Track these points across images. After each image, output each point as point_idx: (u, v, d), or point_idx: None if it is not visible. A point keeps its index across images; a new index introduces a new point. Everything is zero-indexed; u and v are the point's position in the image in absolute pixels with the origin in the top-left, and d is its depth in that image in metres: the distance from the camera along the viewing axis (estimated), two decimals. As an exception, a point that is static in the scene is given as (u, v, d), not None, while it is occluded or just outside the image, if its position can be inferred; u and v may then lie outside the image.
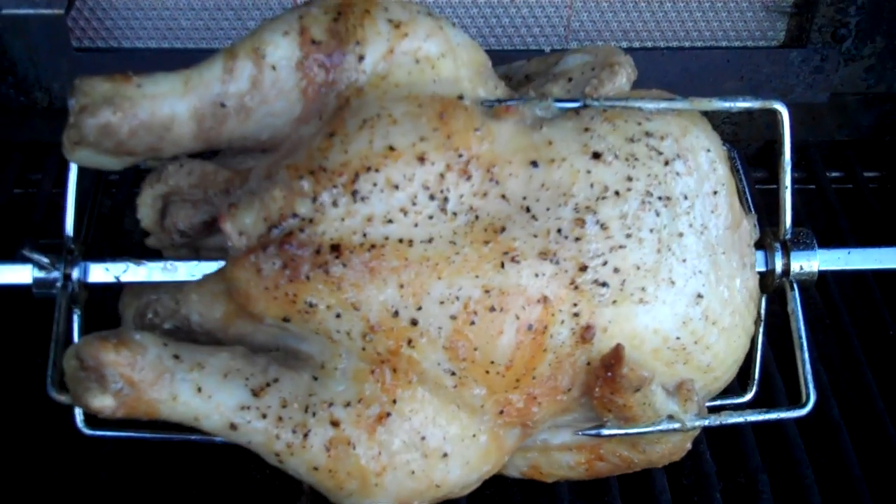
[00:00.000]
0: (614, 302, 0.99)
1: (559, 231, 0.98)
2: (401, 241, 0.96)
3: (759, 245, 1.09)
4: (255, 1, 1.45)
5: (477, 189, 0.98)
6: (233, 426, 0.96)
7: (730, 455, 1.25)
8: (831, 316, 1.39)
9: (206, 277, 1.02)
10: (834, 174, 1.63)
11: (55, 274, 1.03)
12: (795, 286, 1.11)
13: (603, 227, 0.99)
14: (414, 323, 0.96)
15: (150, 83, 0.97)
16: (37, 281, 1.03)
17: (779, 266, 1.10)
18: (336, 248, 0.94)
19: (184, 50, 1.47)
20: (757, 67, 1.52)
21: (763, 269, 1.10)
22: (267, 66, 0.98)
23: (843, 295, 1.41)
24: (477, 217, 0.98)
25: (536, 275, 0.97)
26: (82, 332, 1.05)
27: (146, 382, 0.95)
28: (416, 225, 0.96)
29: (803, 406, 1.10)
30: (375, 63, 0.99)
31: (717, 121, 1.61)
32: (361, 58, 0.99)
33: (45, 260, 1.02)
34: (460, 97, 1.01)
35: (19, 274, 1.04)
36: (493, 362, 0.97)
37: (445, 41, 1.02)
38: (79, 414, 1.04)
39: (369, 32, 0.99)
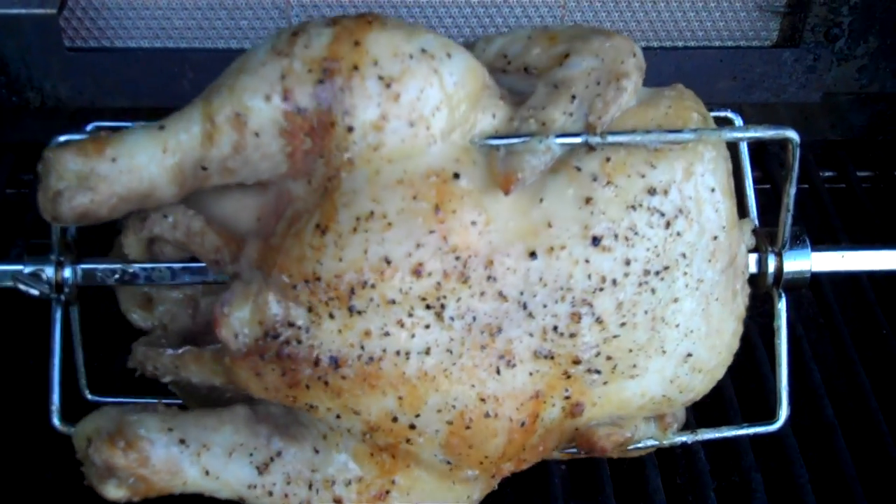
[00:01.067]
0: (605, 382, 1.02)
1: (555, 328, 0.98)
2: (398, 353, 0.95)
3: (752, 249, 1.09)
4: (248, 0, 1.45)
5: (474, 291, 0.96)
6: (242, 500, 1.01)
7: (724, 454, 1.25)
8: (825, 316, 1.39)
9: (204, 355, 1.02)
10: (827, 174, 1.63)
11: (46, 288, 1.04)
12: (784, 298, 1.11)
13: (598, 320, 0.98)
14: (412, 427, 0.98)
15: (124, 154, 0.92)
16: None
17: (770, 272, 1.10)
18: (334, 361, 0.95)
19: (177, 49, 1.47)
20: (750, 67, 1.52)
21: (755, 271, 1.10)
22: (249, 132, 0.92)
23: (837, 295, 1.41)
24: (474, 318, 0.97)
25: (531, 374, 0.99)
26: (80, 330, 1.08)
27: (157, 476, 0.99)
28: (413, 336, 0.96)
29: (775, 422, 1.12)
30: (366, 133, 0.92)
31: (710, 121, 1.61)
32: (350, 129, 0.92)
33: (35, 292, 1.04)
34: (456, 175, 0.96)
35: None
36: (486, 456, 1.01)
37: (440, 89, 0.94)
38: (55, 413, 1.06)
39: (358, 98, 0.92)
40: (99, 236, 1.09)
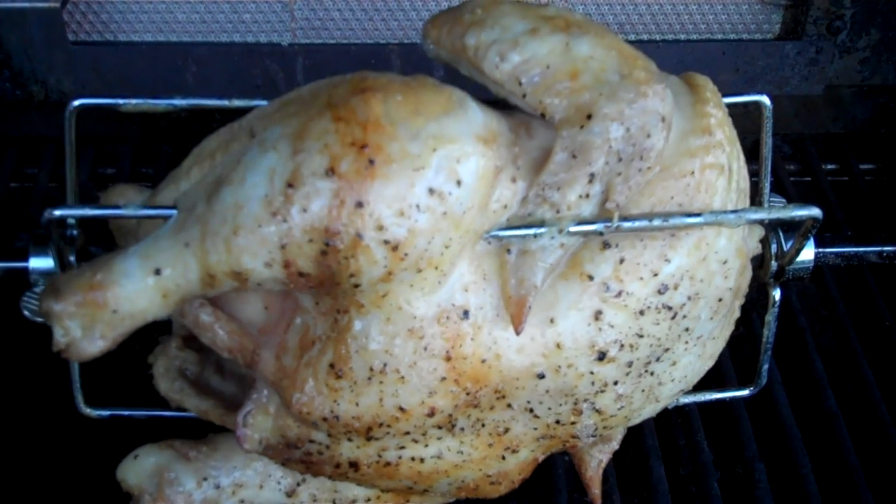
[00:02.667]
0: (597, 437, 1.07)
1: (557, 422, 1.02)
2: (412, 458, 1.02)
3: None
4: (251, -6, 1.45)
5: (484, 407, 1.00)
6: None
7: (727, 445, 1.25)
8: (827, 307, 1.39)
9: (228, 420, 1.06)
10: (829, 166, 1.63)
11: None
12: (778, 294, 1.12)
13: (598, 411, 1.02)
14: (424, 491, 1.08)
15: (125, 304, 0.89)
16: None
17: (772, 267, 1.11)
18: (354, 464, 1.02)
19: (179, 43, 1.47)
20: (752, 60, 1.52)
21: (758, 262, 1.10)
22: (251, 283, 0.90)
23: (840, 286, 1.41)
24: (483, 425, 1.01)
25: (532, 450, 1.06)
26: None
27: None
28: (426, 446, 1.02)
29: (750, 388, 1.15)
30: (373, 286, 0.89)
31: (712, 113, 1.61)
32: (357, 286, 0.89)
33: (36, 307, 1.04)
34: (465, 314, 0.95)
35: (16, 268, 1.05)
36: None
37: (451, 227, 0.90)
38: (78, 394, 1.07)
39: (364, 264, 0.88)
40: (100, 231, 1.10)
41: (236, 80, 1.47)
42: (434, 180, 0.87)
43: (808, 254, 1.11)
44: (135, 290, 0.89)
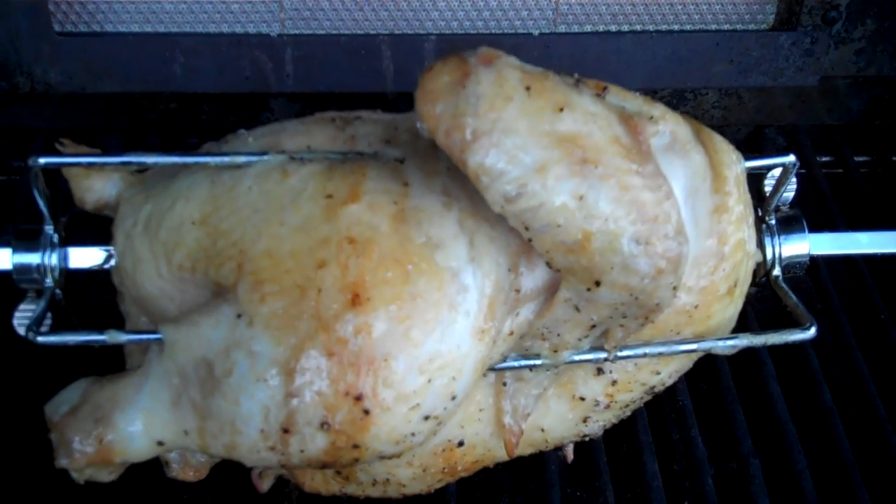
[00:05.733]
0: None
1: None
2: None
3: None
4: (239, -16, 1.44)
5: None
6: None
7: (721, 440, 1.24)
8: (822, 301, 1.39)
9: None
10: (824, 158, 1.63)
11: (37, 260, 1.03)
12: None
13: None
14: None
15: (130, 456, 0.95)
16: (17, 267, 1.03)
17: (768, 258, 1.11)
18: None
19: (167, 34, 1.45)
20: (746, 50, 1.51)
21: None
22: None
23: (835, 279, 1.40)
24: None
25: None
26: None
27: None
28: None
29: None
30: (379, 457, 0.94)
31: (706, 105, 1.60)
32: (359, 459, 0.93)
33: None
34: (461, 444, 1.02)
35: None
36: None
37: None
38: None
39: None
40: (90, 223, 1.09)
41: (224, 71, 1.45)
42: (430, 409, 0.91)
43: (802, 248, 1.11)
44: (139, 451, 0.95)
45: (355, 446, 0.89)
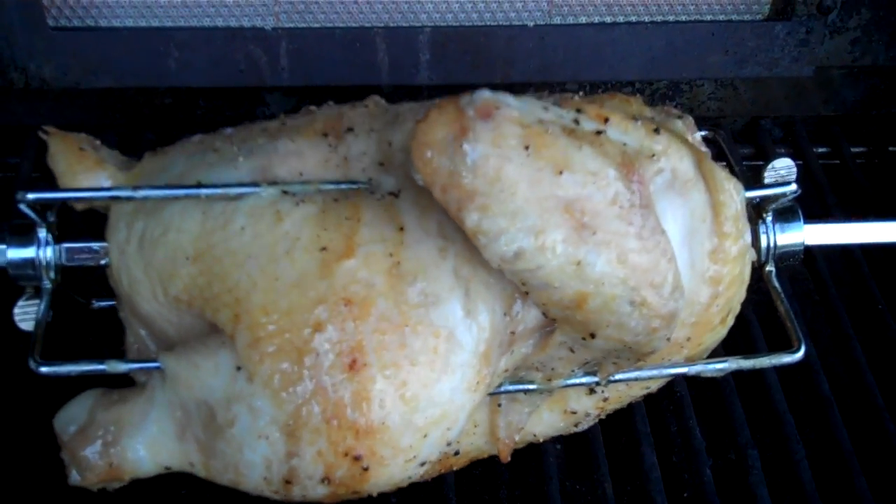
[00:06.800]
0: None
1: None
2: None
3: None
4: (233, -22, 1.43)
5: None
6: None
7: (720, 431, 1.24)
8: (819, 291, 1.39)
9: None
10: (820, 149, 1.63)
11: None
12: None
13: None
14: None
15: (139, 475, 1.00)
16: (12, 263, 1.04)
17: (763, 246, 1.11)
18: None
19: (162, 28, 1.44)
20: (742, 41, 1.50)
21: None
22: None
23: (831, 270, 1.40)
24: None
25: None
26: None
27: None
28: None
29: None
30: (381, 491, 0.98)
31: (702, 97, 1.60)
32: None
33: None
34: (456, 452, 1.07)
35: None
36: None
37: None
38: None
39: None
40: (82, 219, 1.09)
41: (219, 65, 1.45)
42: (427, 457, 0.95)
43: (797, 237, 1.11)
44: (147, 472, 1.00)
45: (355, 492, 0.94)
